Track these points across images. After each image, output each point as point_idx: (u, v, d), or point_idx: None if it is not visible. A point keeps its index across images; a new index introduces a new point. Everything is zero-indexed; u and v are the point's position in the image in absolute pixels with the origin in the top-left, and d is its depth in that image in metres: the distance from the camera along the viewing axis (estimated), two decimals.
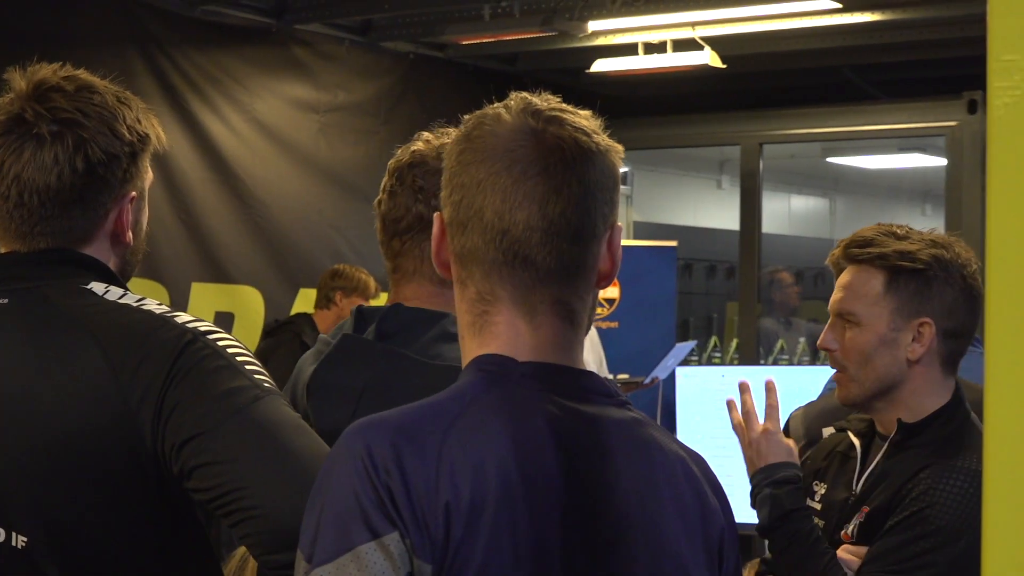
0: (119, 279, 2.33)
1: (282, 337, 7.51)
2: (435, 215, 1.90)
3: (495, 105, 1.90)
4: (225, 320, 8.42)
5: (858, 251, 2.93)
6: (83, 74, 2.33)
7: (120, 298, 2.25)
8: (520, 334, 1.84)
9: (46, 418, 2.18)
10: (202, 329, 2.20)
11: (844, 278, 2.96)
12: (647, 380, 8.96)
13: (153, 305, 2.25)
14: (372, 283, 7.65)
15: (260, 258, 8.54)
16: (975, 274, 2.90)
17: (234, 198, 8.49)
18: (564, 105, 1.88)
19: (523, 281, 1.82)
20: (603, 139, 1.86)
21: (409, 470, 1.68)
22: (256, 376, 2.16)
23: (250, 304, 8.55)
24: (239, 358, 2.17)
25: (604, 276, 1.88)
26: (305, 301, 8.38)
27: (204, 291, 8.36)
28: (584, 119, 1.87)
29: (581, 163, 1.83)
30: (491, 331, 1.84)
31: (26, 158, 2.24)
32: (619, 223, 1.90)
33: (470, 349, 1.87)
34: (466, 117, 1.91)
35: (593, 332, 8.96)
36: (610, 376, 8.81)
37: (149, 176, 2.38)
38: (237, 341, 2.23)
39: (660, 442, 1.87)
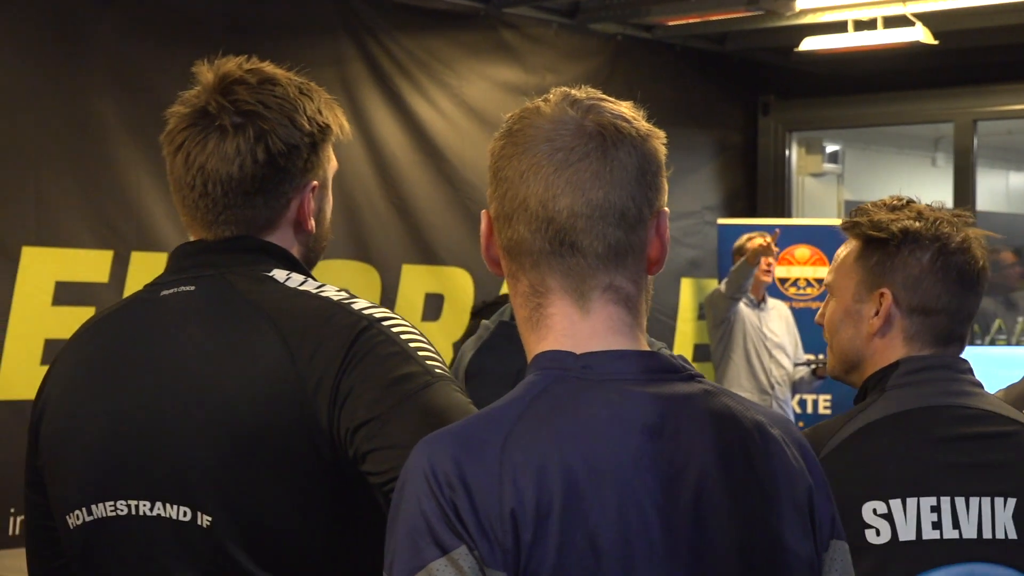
0: (302, 266, 2.39)
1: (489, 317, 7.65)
2: (482, 212, 1.92)
3: (536, 100, 1.92)
4: (435, 302, 8.56)
5: (846, 221, 2.86)
6: (267, 66, 2.40)
7: (301, 285, 2.31)
8: (575, 323, 1.85)
9: (229, 402, 2.24)
10: (377, 316, 2.24)
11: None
12: None
13: (332, 291, 2.30)
14: None
15: (469, 240, 8.64)
16: (959, 251, 2.75)
17: (444, 181, 8.61)
18: (604, 95, 1.90)
19: (573, 269, 1.84)
20: (644, 124, 1.87)
21: (472, 481, 1.71)
22: (428, 362, 2.20)
23: (460, 285, 8.66)
24: (412, 344, 2.21)
25: (654, 262, 1.89)
26: None
27: (414, 273, 8.50)
28: (625, 107, 1.89)
29: (621, 147, 1.84)
30: (547, 323, 1.86)
31: (210, 149, 2.32)
32: (666, 208, 1.90)
33: (530, 344, 1.88)
34: (507, 115, 1.93)
35: (788, 313, 9.07)
36: (808, 356, 8.93)
37: (333, 165, 2.44)
38: (412, 328, 2.27)
39: (734, 410, 1.86)
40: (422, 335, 2.27)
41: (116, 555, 2.29)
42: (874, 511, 2.61)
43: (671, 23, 9.43)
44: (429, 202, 8.57)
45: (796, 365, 8.92)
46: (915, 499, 2.62)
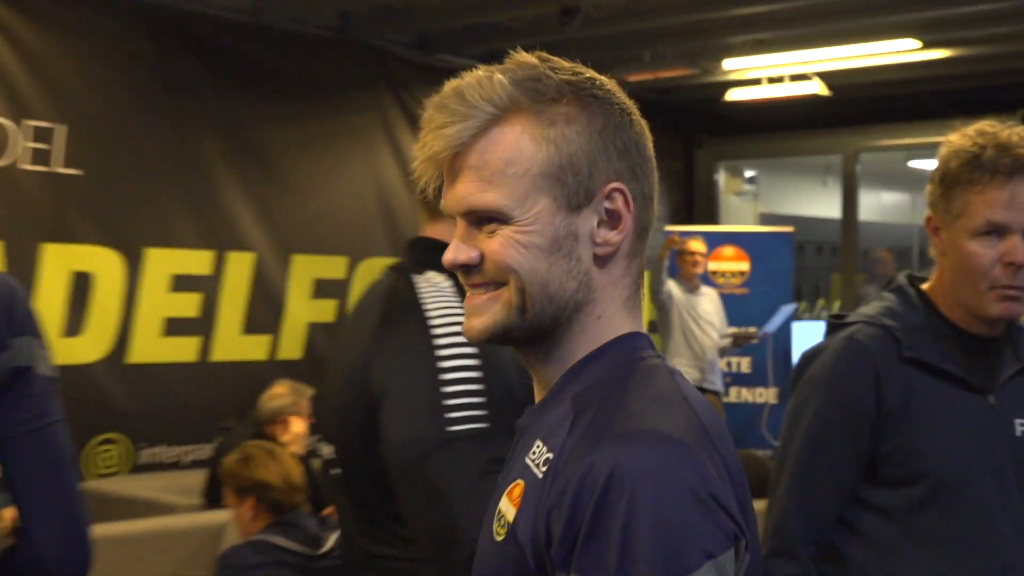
0: None
1: None
2: (616, 191, 1.65)
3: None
4: None
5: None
6: None
7: None
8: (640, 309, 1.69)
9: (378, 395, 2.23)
10: None
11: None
12: (760, 334, 9.82)
13: None
14: None
15: None
16: None
17: None
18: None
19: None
20: None
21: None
22: None
23: None
24: None
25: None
26: None
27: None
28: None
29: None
30: (640, 306, 1.68)
31: None
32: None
33: (621, 325, 1.65)
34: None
35: (716, 295, 10.17)
36: (730, 329, 10.13)
37: None
38: None
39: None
40: None
41: None
42: None
43: (630, 79, 10.00)
44: None
45: (722, 337, 9.88)
46: None
